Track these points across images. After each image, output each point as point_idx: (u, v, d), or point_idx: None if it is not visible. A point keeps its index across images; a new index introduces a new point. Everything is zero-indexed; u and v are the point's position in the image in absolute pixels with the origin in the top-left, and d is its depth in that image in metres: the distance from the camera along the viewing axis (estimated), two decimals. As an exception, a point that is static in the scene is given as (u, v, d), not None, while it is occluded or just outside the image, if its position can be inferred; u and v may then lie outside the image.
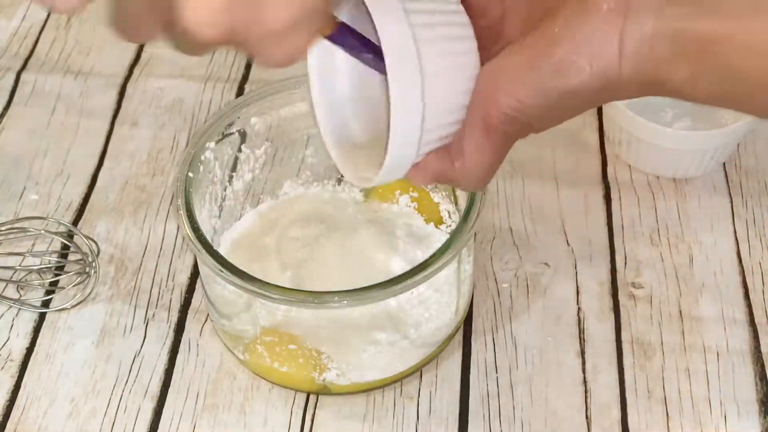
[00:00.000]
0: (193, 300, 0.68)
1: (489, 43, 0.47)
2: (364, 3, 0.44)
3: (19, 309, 0.67)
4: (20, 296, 0.68)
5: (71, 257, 0.70)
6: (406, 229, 0.67)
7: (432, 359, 0.64)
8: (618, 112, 0.73)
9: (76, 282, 0.68)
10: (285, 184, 0.71)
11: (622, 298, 0.67)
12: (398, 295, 0.58)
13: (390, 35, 0.43)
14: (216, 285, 0.62)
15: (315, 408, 0.63)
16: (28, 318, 0.67)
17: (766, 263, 0.69)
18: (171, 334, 0.66)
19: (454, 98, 0.45)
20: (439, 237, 0.67)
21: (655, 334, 0.66)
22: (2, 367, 0.65)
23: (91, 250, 0.69)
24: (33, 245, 0.71)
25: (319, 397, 0.63)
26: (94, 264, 0.68)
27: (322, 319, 0.62)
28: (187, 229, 0.59)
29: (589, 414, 0.62)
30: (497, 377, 0.64)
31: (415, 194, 0.70)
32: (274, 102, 0.66)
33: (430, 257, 0.57)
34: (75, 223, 0.72)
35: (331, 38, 0.45)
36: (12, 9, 0.89)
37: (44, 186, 0.75)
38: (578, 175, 0.75)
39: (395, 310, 0.61)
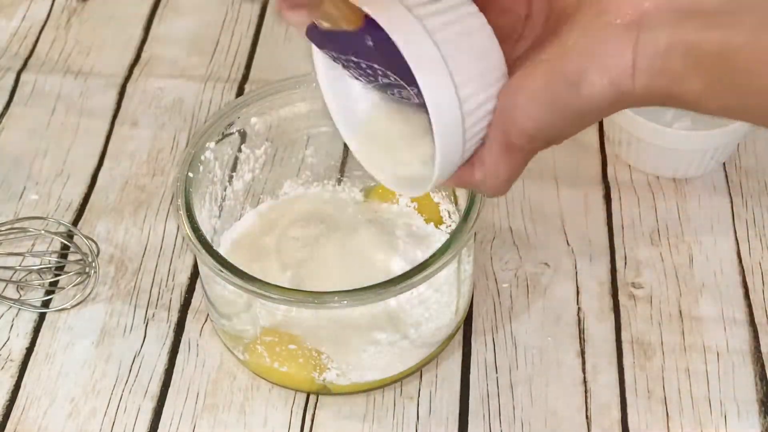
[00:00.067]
0: (193, 300, 0.68)
1: (511, 40, 0.47)
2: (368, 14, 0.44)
3: (19, 309, 0.67)
4: (20, 296, 0.68)
5: (71, 257, 0.70)
6: (406, 229, 0.67)
7: (432, 359, 0.64)
8: (618, 112, 0.73)
9: (76, 282, 0.68)
10: (285, 184, 0.71)
11: (622, 298, 0.67)
12: (398, 295, 0.58)
13: (408, 43, 0.43)
14: (216, 285, 0.62)
15: (315, 408, 0.63)
16: (28, 318, 0.67)
17: (766, 263, 0.69)
18: (171, 334, 0.66)
19: (484, 89, 0.45)
20: (439, 237, 0.67)
21: (655, 334, 0.66)
22: (2, 367, 0.65)
23: (91, 250, 0.69)
24: (33, 245, 0.71)
25: (319, 397, 0.63)
26: (94, 264, 0.68)
27: (322, 319, 0.62)
28: (187, 229, 0.59)
29: (589, 414, 0.62)
30: (497, 377, 0.64)
31: (415, 194, 0.69)
32: (274, 102, 0.66)
33: (430, 257, 0.57)
34: (75, 223, 0.72)
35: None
36: (12, 9, 0.89)
37: (44, 186, 0.75)
38: (578, 175, 0.75)
39: (395, 310, 0.61)
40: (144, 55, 0.85)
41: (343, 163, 0.72)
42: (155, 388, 0.63)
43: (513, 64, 0.46)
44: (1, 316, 0.67)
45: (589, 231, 0.71)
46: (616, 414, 0.62)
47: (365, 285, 0.56)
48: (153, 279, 0.69)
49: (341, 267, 0.65)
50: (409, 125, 0.49)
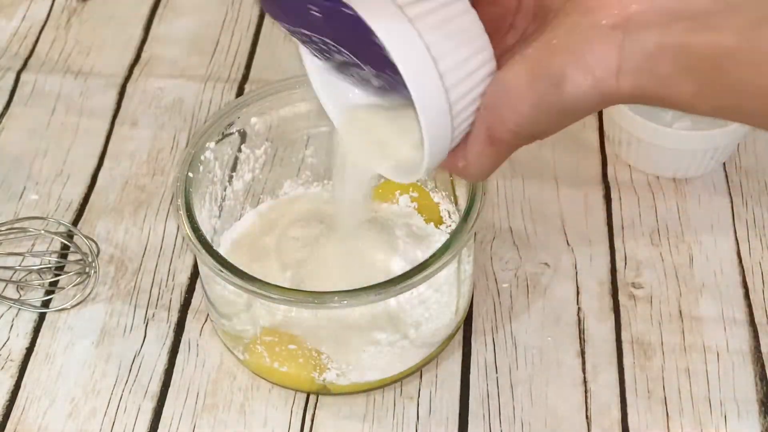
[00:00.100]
0: (193, 300, 0.68)
1: (501, 31, 0.47)
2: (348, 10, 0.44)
3: (19, 309, 0.67)
4: (20, 296, 0.68)
5: (71, 257, 0.70)
6: (406, 229, 0.67)
7: (432, 359, 0.64)
8: (618, 112, 0.73)
9: (76, 282, 0.68)
10: (285, 184, 0.71)
11: (622, 298, 0.67)
12: (398, 295, 0.58)
13: (394, 40, 0.43)
14: (216, 285, 0.62)
15: (315, 408, 0.63)
16: (28, 318, 0.67)
17: (766, 263, 0.69)
18: (171, 334, 0.66)
19: (469, 75, 0.45)
20: (439, 237, 0.67)
21: (655, 334, 0.66)
22: (2, 367, 0.65)
23: (91, 250, 0.69)
24: (33, 245, 0.71)
25: (319, 397, 0.63)
26: (94, 264, 0.68)
27: (322, 319, 0.62)
28: (187, 229, 0.59)
29: (589, 414, 0.62)
30: (497, 377, 0.64)
31: (415, 194, 0.70)
32: (274, 102, 0.66)
33: (430, 257, 0.57)
34: (75, 223, 0.72)
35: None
36: (12, 9, 0.89)
37: (44, 186, 0.75)
38: (578, 175, 0.75)
39: (395, 310, 0.61)
40: (144, 55, 0.85)
41: (343, 163, 0.72)
42: (155, 388, 0.63)
43: (503, 56, 0.46)
44: (1, 316, 0.67)
45: (589, 231, 0.71)
46: (616, 414, 0.62)
47: (365, 285, 0.56)
48: (153, 279, 0.69)
49: (341, 267, 0.65)
50: (399, 112, 0.49)
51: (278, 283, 0.57)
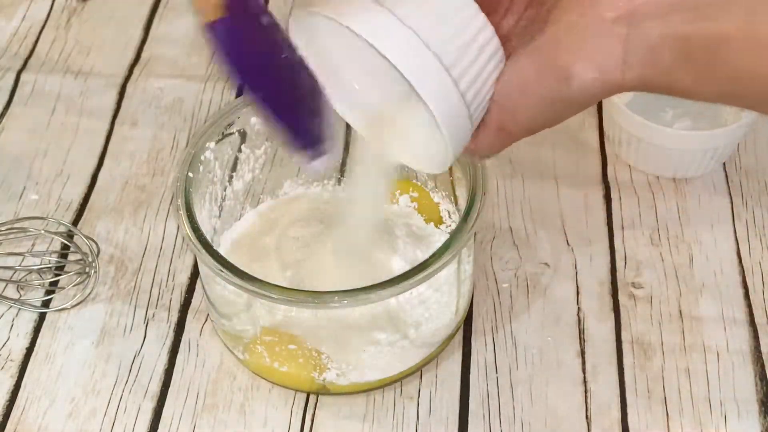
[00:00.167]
0: (193, 300, 0.68)
1: (499, 12, 0.48)
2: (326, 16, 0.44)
3: (19, 309, 0.67)
4: (20, 296, 0.68)
5: (71, 257, 0.70)
6: (406, 229, 0.67)
7: (432, 359, 0.64)
8: (618, 112, 0.73)
9: (76, 282, 0.68)
10: (285, 184, 0.71)
11: (622, 298, 0.67)
12: (398, 295, 0.58)
13: (382, 39, 0.43)
14: (216, 285, 0.62)
15: (315, 408, 0.63)
16: (28, 318, 0.67)
17: (766, 263, 0.69)
18: (171, 334, 0.66)
19: (479, 68, 0.45)
20: (439, 237, 0.67)
21: (655, 334, 0.66)
22: (2, 367, 0.65)
23: (91, 250, 0.69)
24: (33, 245, 0.71)
25: (319, 397, 0.63)
26: (94, 264, 0.68)
27: (322, 319, 0.62)
28: (187, 229, 0.59)
29: (589, 414, 0.62)
30: (497, 377, 0.64)
31: (415, 194, 0.70)
32: (274, 102, 0.66)
33: (430, 257, 0.57)
34: (75, 223, 0.72)
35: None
36: (12, 9, 0.89)
37: (44, 186, 0.75)
38: (578, 175, 0.75)
39: (395, 310, 0.61)
40: (144, 55, 0.85)
41: (343, 163, 0.72)
42: (155, 388, 0.63)
43: (503, 38, 0.47)
44: (1, 316, 0.67)
45: (589, 231, 0.71)
46: (616, 414, 0.62)
47: (365, 285, 0.56)
48: (153, 279, 0.69)
49: (341, 267, 0.65)
50: (416, 103, 0.49)
51: (278, 283, 0.57)
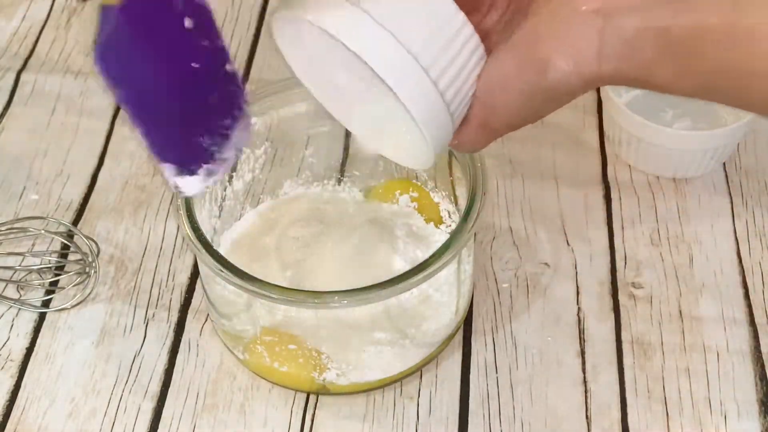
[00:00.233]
0: (193, 300, 0.68)
1: (482, 9, 0.48)
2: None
3: (19, 309, 0.67)
4: (20, 296, 0.68)
5: (71, 257, 0.70)
6: (406, 229, 0.67)
7: (432, 359, 0.64)
8: (618, 112, 0.73)
9: (76, 282, 0.68)
10: (285, 184, 0.71)
11: (622, 298, 0.67)
12: (398, 295, 0.58)
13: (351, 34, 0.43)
14: (216, 285, 0.62)
15: (315, 408, 0.63)
16: (28, 318, 0.67)
17: (766, 263, 0.69)
18: (171, 334, 0.66)
19: (459, 65, 0.46)
20: (439, 237, 0.67)
21: (655, 334, 0.66)
22: (2, 367, 0.65)
23: (91, 250, 0.69)
24: (33, 245, 0.71)
25: (319, 397, 0.63)
26: (94, 264, 0.68)
27: (322, 319, 0.62)
28: (187, 229, 0.59)
29: (589, 414, 0.62)
30: (497, 377, 0.64)
31: (415, 194, 0.70)
32: (274, 102, 0.66)
33: (430, 257, 0.57)
34: (75, 223, 0.72)
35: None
36: (12, 9, 0.89)
37: (44, 186, 0.75)
38: (578, 175, 0.75)
39: (395, 310, 0.61)
40: (144, 55, 0.85)
41: (343, 163, 0.72)
42: (155, 388, 0.63)
43: (486, 35, 0.47)
44: (1, 316, 0.67)
45: (589, 231, 0.71)
46: (616, 414, 0.62)
47: (365, 285, 0.56)
48: (153, 279, 0.69)
49: (341, 267, 0.65)
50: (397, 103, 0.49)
51: (278, 283, 0.57)
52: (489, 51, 0.46)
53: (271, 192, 0.71)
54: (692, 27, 0.42)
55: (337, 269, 0.64)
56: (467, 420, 0.62)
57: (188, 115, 0.44)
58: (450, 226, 0.69)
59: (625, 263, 0.69)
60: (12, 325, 0.67)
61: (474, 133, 0.48)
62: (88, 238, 0.69)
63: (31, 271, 0.69)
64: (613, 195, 0.74)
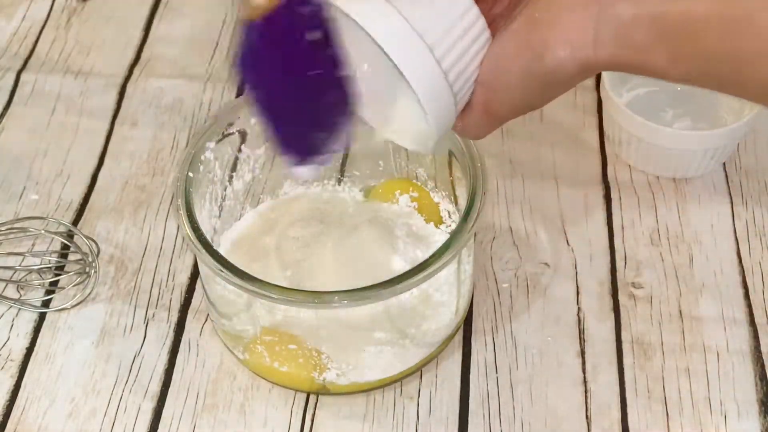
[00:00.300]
0: (193, 300, 0.68)
1: (488, 0, 0.49)
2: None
3: (19, 309, 0.67)
4: (20, 296, 0.68)
5: (71, 257, 0.70)
6: (406, 229, 0.67)
7: (432, 359, 0.64)
8: (618, 111, 0.73)
9: (76, 282, 0.68)
10: (285, 184, 0.71)
11: (622, 298, 0.67)
12: (398, 295, 0.58)
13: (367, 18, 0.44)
14: (216, 285, 0.62)
15: (315, 408, 0.63)
16: (28, 318, 0.67)
17: (766, 263, 0.69)
18: (171, 334, 0.66)
19: (462, 47, 0.46)
20: (439, 237, 0.67)
21: (655, 334, 0.66)
22: (2, 367, 0.65)
23: (91, 250, 0.69)
24: (33, 245, 0.71)
25: (319, 397, 0.63)
26: (94, 264, 0.68)
27: (322, 319, 0.62)
28: (187, 229, 0.59)
29: (589, 414, 0.62)
30: (497, 377, 0.64)
31: (415, 194, 0.69)
32: (274, 102, 0.66)
33: (430, 257, 0.57)
34: (75, 223, 0.72)
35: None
36: (12, 9, 0.89)
37: (44, 186, 0.75)
38: (578, 175, 0.75)
39: (395, 309, 0.61)
40: (144, 55, 0.85)
41: (343, 163, 0.72)
42: (155, 388, 0.63)
43: (494, 22, 0.48)
44: (1, 316, 0.67)
45: (589, 231, 0.71)
46: (616, 414, 0.62)
47: (365, 285, 0.56)
48: (153, 279, 0.69)
49: (341, 267, 0.65)
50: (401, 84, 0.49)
51: (278, 283, 0.57)
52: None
53: (271, 192, 0.71)
54: (684, 13, 0.43)
55: (337, 269, 0.64)
56: (467, 420, 0.62)
57: (309, 115, 0.49)
58: (450, 226, 0.69)
59: (625, 263, 0.69)
60: (12, 325, 0.67)
61: (478, 118, 0.49)
62: (88, 238, 0.69)
63: (31, 271, 0.69)
64: (613, 195, 0.74)
